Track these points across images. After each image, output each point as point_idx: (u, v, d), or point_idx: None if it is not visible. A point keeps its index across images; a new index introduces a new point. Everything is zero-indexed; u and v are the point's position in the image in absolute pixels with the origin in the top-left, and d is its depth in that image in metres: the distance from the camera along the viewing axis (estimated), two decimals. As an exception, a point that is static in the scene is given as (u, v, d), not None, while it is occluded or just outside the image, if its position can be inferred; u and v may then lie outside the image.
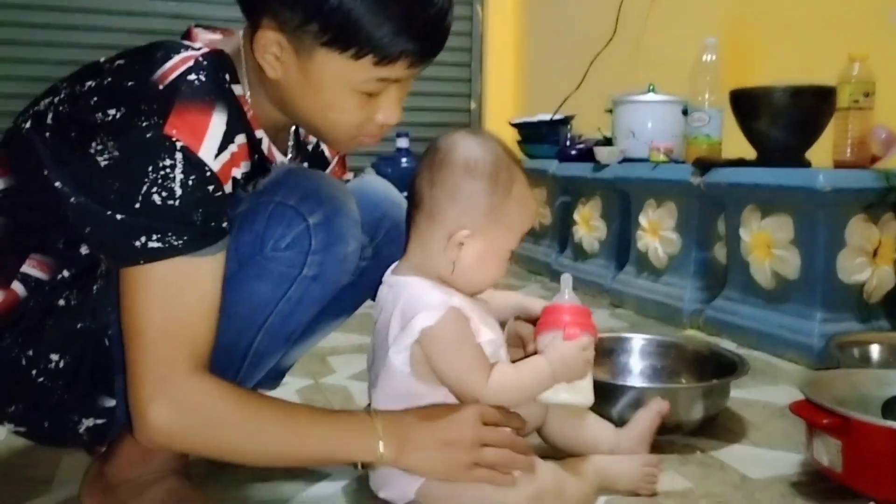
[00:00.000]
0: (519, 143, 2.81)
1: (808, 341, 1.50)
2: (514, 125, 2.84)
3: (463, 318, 0.81)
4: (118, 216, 0.69)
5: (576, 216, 2.38)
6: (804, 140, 1.68)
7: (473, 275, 0.85)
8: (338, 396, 1.28)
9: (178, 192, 0.69)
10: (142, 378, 0.71)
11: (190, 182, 0.70)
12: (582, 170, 2.30)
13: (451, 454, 0.79)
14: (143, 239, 0.69)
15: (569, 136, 2.63)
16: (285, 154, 0.86)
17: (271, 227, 0.77)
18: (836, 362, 1.30)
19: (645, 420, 0.98)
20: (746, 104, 1.72)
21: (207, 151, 0.71)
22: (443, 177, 0.83)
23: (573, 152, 2.41)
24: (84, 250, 0.77)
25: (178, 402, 0.71)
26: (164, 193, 0.69)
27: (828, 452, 0.89)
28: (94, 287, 0.78)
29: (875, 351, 1.39)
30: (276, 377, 1.01)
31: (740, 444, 1.09)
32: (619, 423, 1.10)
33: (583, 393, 0.86)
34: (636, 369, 1.31)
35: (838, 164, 1.63)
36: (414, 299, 0.82)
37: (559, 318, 0.86)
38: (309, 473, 0.97)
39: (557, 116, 2.68)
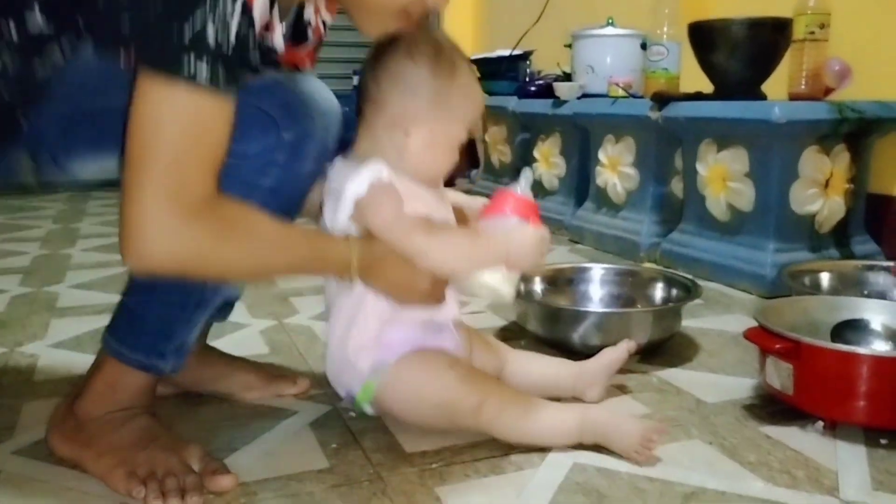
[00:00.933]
0: (478, 79, 2.78)
1: (761, 271, 1.54)
2: (473, 61, 2.80)
3: (394, 187, 0.83)
4: (172, 25, 0.66)
5: (535, 153, 2.38)
6: (760, 72, 1.69)
7: (421, 163, 0.86)
8: (302, 337, 1.28)
9: (233, 32, 0.68)
10: (154, 194, 0.67)
11: (243, 28, 0.69)
12: (541, 106, 2.29)
13: (406, 292, 0.85)
14: (193, 57, 0.66)
15: (528, 72, 2.60)
16: (282, 21, 0.83)
17: (246, 130, 0.75)
18: (788, 291, 1.34)
19: (608, 356, 1.00)
20: (704, 37, 1.72)
21: (258, 7, 0.71)
22: (386, 65, 0.85)
23: (532, 88, 2.39)
24: (40, 28, 0.72)
25: (187, 229, 0.69)
26: (220, 33, 0.67)
27: (779, 376, 0.93)
28: (39, 71, 0.74)
29: (825, 279, 1.44)
30: (223, 308, 1.00)
31: (696, 370, 1.12)
32: (581, 346, 1.13)
33: (510, 284, 0.87)
34: (595, 297, 1.36)
35: (793, 97, 1.65)
36: (346, 177, 0.83)
37: (524, 207, 0.87)
38: (276, 411, 0.98)
39: (516, 52, 2.65)
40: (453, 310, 0.93)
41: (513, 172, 2.59)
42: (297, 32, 0.93)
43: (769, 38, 1.66)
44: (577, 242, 2.11)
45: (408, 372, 0.86)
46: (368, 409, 0.90)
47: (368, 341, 0.87)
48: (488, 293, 0.88)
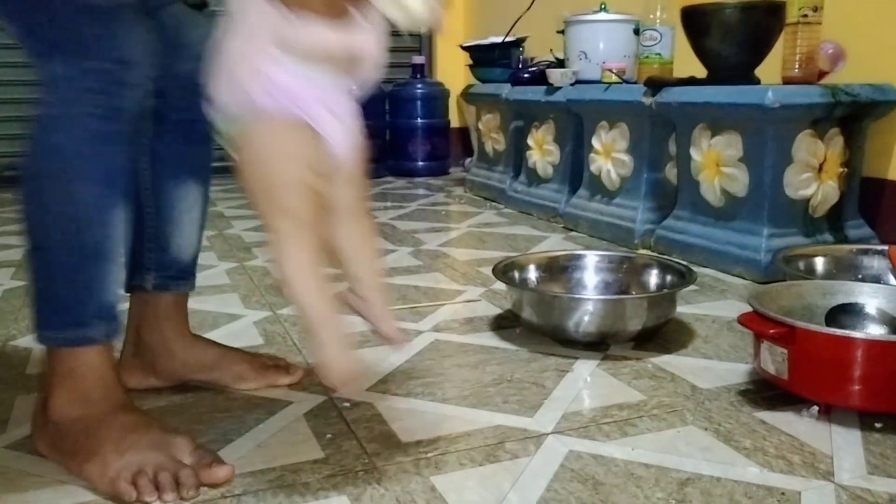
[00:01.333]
0: (470, 66, 2.77)
1: (756, 256, 1.54)
2: (465, 48, 2.79)
3: None
4: None
5: (529, 141, 2.37)
6: (754, 57, 1.69)
7: None
8: (297, 327, 1.28)
9: None
10: None
11: None
12: (535, 93, 2.28)
13: None
14: None
15: (521, 58, 2.59)
16: None
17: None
18: (783, 275, 1.34)
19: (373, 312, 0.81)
20: (696, 21, 1.71)
21: None
22: None
23: (525, 75, 2.38)
24: None
25: None
26: None
27: (774, 361, 0.93)
28: None
29: (819, 263, 1.44)
30: (183, 275, 1.00)
31: (691, 356, 1.12)
32: (576, 334, 1.13)
33: (424, 8, 0.73)
34: (590, 284, 1.36)
35: (786, 81, 1.64)
36: None
37: None
38: (270, 402, 0.97)
39: (509, 39, 2.64)
40: (365, 41, 0.74)
41: (507, 160, 2.58)
42: None
43: (762, 22, 1.65)
44: (571, 230, 2.10)
45: (270, 140, 0.72)
46: (228, 148, 0.75)
47: (257, 55, 0.71)
48: (395, 5, 0.73)
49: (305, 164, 0.73)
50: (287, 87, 0.72)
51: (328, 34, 0.72)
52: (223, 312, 1.35)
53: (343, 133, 0.75)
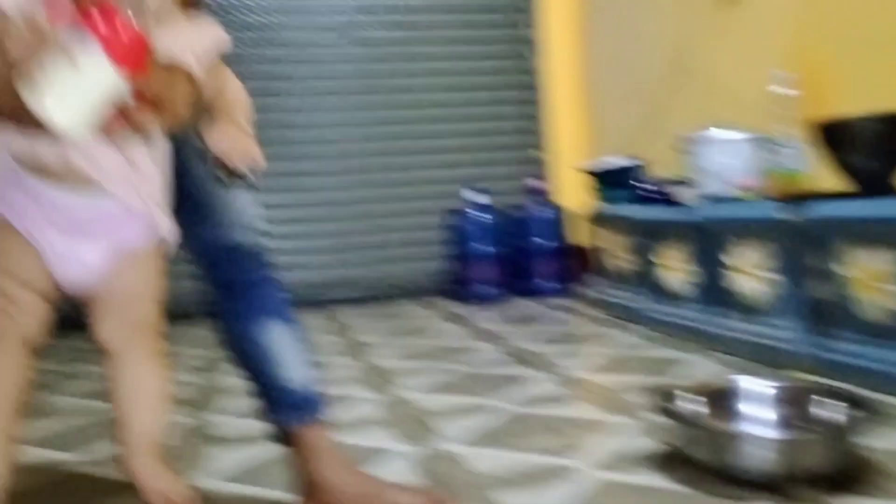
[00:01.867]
0: (594, 188, 2.81)
1: (932, 378, 1.43)
2: (590, 173, 2.83)
3: None
4: None
5: (661, 259, 2.34)
6: (897, 168, 1.63)
7: None
8: (446, 461, 1.26)
9: None
10: None
11: None
12: (663, 212, 2.27)
13: None
14: None
15: (644, 178, 2.61)
16: None
17: None
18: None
19: None
20: (836, 135, 1.69)
21: None
22: None
23: (651, 195, 2.38)
24: None
25: None
26: None
27: None
28: None
29: None
30: (309, 404, 1.04)
31: (886, 501, 1.03)
32: (752, 474, 1.06)
33: (69, 111, 0.63)
34: (759, 416, 1.26)
35: (940, 191, 1.57)
36: None
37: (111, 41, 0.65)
38: None
39: (629, 159, 2.67)
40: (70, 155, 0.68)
41: (636, 279, 2.55)
42: None
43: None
44: (715, 351, 2.02)
45: None
46: None
47: None
48: (47, 121, 0.63)
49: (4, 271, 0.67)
50: (11, 199, 0.67)
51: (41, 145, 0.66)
52: (373, 447, 1.36)
53: (79, 253, 0.68)
